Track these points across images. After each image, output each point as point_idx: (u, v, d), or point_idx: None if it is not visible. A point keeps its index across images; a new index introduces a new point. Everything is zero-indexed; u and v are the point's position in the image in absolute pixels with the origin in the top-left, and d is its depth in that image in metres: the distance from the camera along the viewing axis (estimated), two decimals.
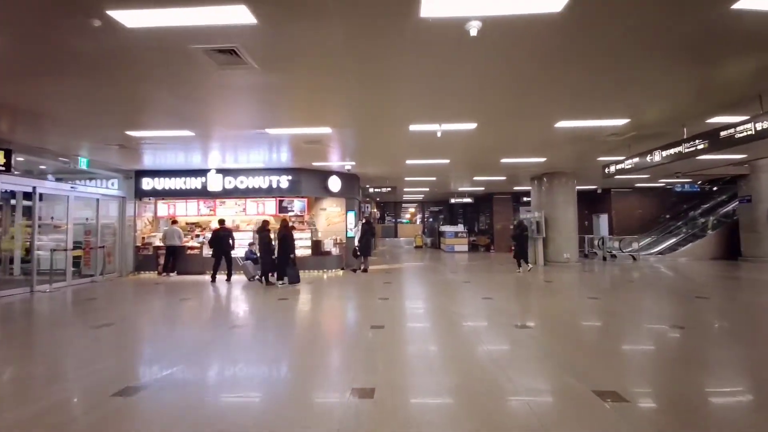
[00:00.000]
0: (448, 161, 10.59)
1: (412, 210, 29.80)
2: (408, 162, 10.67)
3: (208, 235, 10.86)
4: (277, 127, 6.88)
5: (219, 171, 11.39)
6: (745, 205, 13.94)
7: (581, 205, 20.13)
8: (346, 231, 12.73)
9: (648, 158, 7.77)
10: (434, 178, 14.40)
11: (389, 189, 14.28)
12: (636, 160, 8.17)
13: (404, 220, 31.22)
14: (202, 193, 11.58)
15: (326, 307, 6.92)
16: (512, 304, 6.89)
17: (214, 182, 11.39)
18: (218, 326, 5.45)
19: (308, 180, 11.72)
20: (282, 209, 12.16)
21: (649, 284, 8.90)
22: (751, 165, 13.66)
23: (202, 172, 11.43)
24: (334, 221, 12.89)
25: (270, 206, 12.16)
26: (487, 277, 10.28)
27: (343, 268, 11.99)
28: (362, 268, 11.29)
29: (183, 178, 11.54)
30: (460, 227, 20.51)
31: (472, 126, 6.88)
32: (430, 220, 29.33)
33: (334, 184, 12.16)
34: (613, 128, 7.19)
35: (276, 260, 9.04)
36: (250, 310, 6.76)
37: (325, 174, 12.02)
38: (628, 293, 7.84)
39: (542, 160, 10.46)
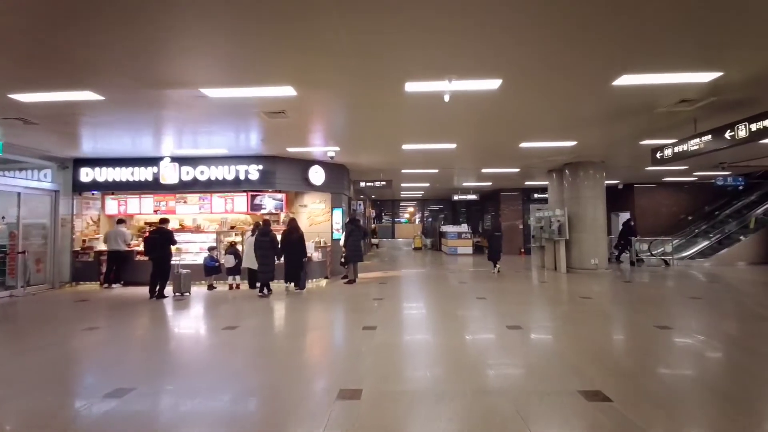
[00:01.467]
0: (454, 146, 8.56)
1: (411, 209, 27.80)
2: (405, 147, 8.63)
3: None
4: (217, 85, 4.83)
5: (174, 159, 9.33)
6: None
7: None
8: (332, 232, 10.69)
9: (728, 134, 5.74)
10: (436, 171, 12.37)
11: (384, 183, 12.26)
12: (707, 138, 6.13)
13: (403, 220, 29.24)
14: (154, 186, 9.51)
15: (278, 347, 4.87)
16: (559, 337, 4.85)
17: (169, 173, 9.33)
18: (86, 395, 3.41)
19: (284, 170, 9.67)
20: (255, 206, 10.14)
21: (721, 300, 6.89)
22: None
23: (154, 161, 9.37)
24: (318, 220, 10.84)
25: (240, 203, 10.12)
26: (503, 290, 8.24)
27: (327, 277, 9.95)
28: (348, 278, 9.24)
29: (131, 168, 9.48)
30: (464, 227, 18.49)
31: (494, 84, 4.85)
32: (430, 219, 27.31)
33: (317, 175, 10.11)
34: (693, 88, 5.15)
35: (288, 265, 8.17)
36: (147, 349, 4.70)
37: (305, 163, 9.97)
38: (706, 318, 5.82)
39: (571, 144, 8.43)
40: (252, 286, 8.46)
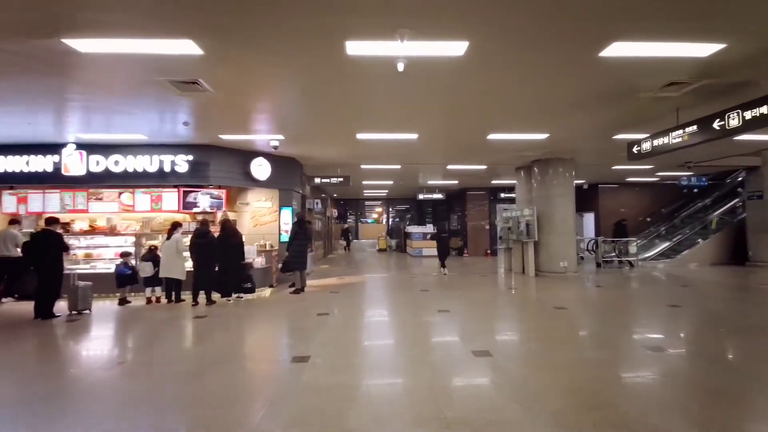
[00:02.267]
0: (415, 137, 7.57)
1: (379, 209, 26.75)
2: (360, 137, 7.53)
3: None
4: (82, 33, 3.50)
5: (81, 147, 7.72)
6: (755, 202, 11.99)
7: None
8: (279, 234, 9.41)
9: (717, 124, 5.09)
10: (398, 167, 11.37)
11: (341, 180, 11.11)
12: (692, 129, 5.48)
13: (369, 220, 28.15)
14: (56, 179, 7.84)
15: (160, 396, 3.61)
16: (539, 371, 3.92)
17: (73, 162, 7.70)
18: None
19: (220, 162, 8.29)
20: (188, 204, 8.68)
21: (702, 308, 6.31)
22: (763, 156, 11.73)
23: (55, 148, 7.70)
24: (264, 221, 9.52)
25: (170, 200, 8.63)
26: (469, 300, 7.34)
27: (272, 285, 8.67)
28: (295, 287, 8.01)
29: (26, 156, 7.76)
30: (430, 228, 17.68)
31: (459, 49, 3.85)
32: (397, 219, 26.40)
33: (261, 169, 8.80)
34: (687, 65, 4.40)
35: (224, 271, 7.05)
36: None
37: (247, 155, 8.64)
38: (699, 333, 5.13)
39: (543, 137, 7.67)
40: (170, 299, 7.06)
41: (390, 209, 26.13)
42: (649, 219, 16.67)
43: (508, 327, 5.34)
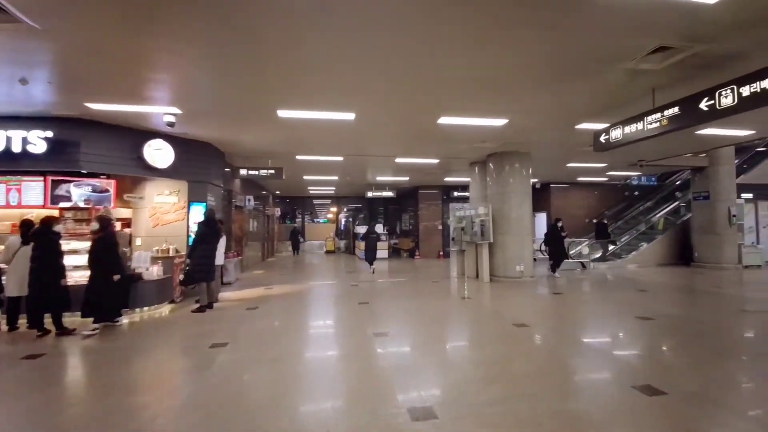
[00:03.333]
0: (352, 117, 6.20)
1: (334, 208, 25.08)
2: (283, 115, 6.02)
3: None
4: None
5: None
6: (700, 203, 12.02)
7: None
8: (188, 236, 7.61)
9: (705, 104, 4.23)
10: (340, 158, 9.94)
11: (272, 172, 9.48)
12: (673, 111, 4.62)
13: (322, 220, 26.41)
14: None
15: None
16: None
17: None
18: None
19: (96, 142, 6.37)
20: (57, 198, 6.68)
21: (676, 321, 5.55)
22: (710, 156, 11.77)
23: None
24: (167, 219, 7.67)
25: (33, 192, 6.58)
26: (415, 315, 6.11)
27: (174, 301, 6.89)
28: (200, 303, 6.31)
29: None
30: (379, 228, 16.42)
31: None
32: (349, 219, 24.92)
33: (159, 154, 6.98)
34: (685, 21, 3.43)
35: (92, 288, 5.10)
36: None
37: (138, 135, 6.78)
38: (692, 360, 4.23)
39: (501, 123, 6.63)
40: (11, 324, 5.12)
41: (345, 209, 24.60)
42: (595, 221, 16.67)
43: (460, 359, 4.14)
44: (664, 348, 4.38)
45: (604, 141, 5.76)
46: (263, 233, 15.47)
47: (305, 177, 13.55)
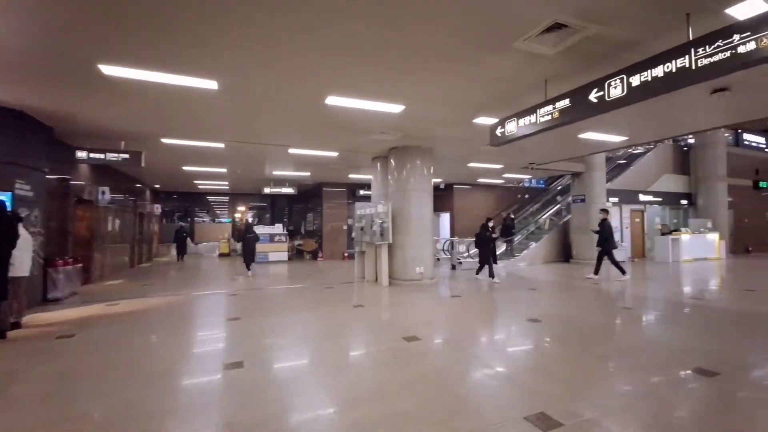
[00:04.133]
0: (214, 86, 4.90)
1: (242, 207, 22.41)
2: (109, 71, 4.45)
3: None
4: None
5: None
6: (578, 205, 13.19)
7: None
8: None
9: (594, 95, 4.00)
10: (220, 146, 8.38)
11: (126, 156, 7.52)
12: (563, 104, 4.37)
13: (226, 220, 23.59)
14: None
15: None
16: None
17: None
18: None
19: None
20: None
21: (588, 334, 5.43)
22: (585, 162, 12.95)
23: None
24: None
25: None
26: (294, 334, 5.07)
27: None
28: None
29: None
30: (278, 228, 14.91)
31: None
32: (254, 220, 22.62)
33: None
34: None
35: None
36: None
37: None
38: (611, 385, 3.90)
39: (398, 109, 5.95)
40: None
41: (235, 206, 22.21)
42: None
43: (337, 392, 3.22)
44: (555, 365, 4.04)
45: (500, 134, 5.43)
46: (133, 234, 12.81)
47: (185, 168, 11.48)
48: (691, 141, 16.09)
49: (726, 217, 15.28)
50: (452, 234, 16.09)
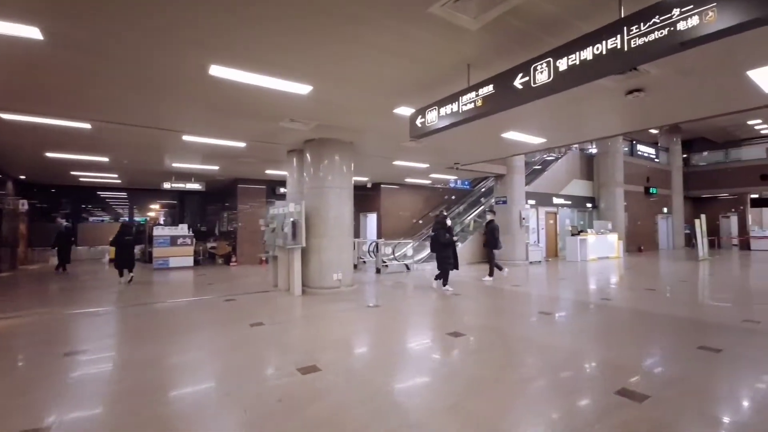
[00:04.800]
0: (38, 36, 3.54)
1: (155, 206, 19.26)
2: None
3: None
4: None
5: None
6: (500, 207, 13.43)
7: None
8: None
9: (519, 81, 3.52)
10: (86, 126, 6.65)
11: None
12: (487, 90, 3.85)
13: (140, 219, 20.17)
14: None
15: None
16: None
17: None
18: None
19: None
20: None
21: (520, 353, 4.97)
22: (507, 165, 13.22)
23: None
24: None
25: None
26: (159, 368, 3.90)
27: None
28: None
29: None
30: (183, 229, 12.98)
31: None
32: (165, 219, 19.74)
33: None
34: None
35: None
36: None
37: None
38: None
39: (305, 91, 5.03)
40: None
41: (133, 204, 19.29)
42: (421, 221, 17.38)
43: None
44: (475, 400, 3.47)
45: (420, 125, 4.81)
46: None
47: (50, 154, 9.22)
48: (594, 151, 17.54)
49: (623, 219, 16.87)
50: (379, 235, 15.54)
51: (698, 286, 8.93)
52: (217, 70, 4.37)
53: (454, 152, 9.69)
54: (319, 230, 7.64)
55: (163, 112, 6.12)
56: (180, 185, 12.43)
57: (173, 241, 12.48)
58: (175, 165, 10.74)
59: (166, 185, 12.30)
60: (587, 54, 2.96)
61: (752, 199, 19.25)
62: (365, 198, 16.67)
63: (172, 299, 7.41)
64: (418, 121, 4.82)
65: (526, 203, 13.75)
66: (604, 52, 2.86)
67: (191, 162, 10.45)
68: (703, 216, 15.43)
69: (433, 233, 8.35)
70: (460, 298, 7.22)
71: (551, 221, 15.81)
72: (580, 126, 7.08)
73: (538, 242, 14.53)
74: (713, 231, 20.03)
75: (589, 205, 17.10)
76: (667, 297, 7.54)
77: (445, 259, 7.96)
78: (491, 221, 9.68)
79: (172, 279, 10.24)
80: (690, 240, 20.64)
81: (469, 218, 15.70)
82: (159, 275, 10.86)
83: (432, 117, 4.59)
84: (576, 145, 17.80)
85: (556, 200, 15.59)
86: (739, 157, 20.26)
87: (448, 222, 8.41)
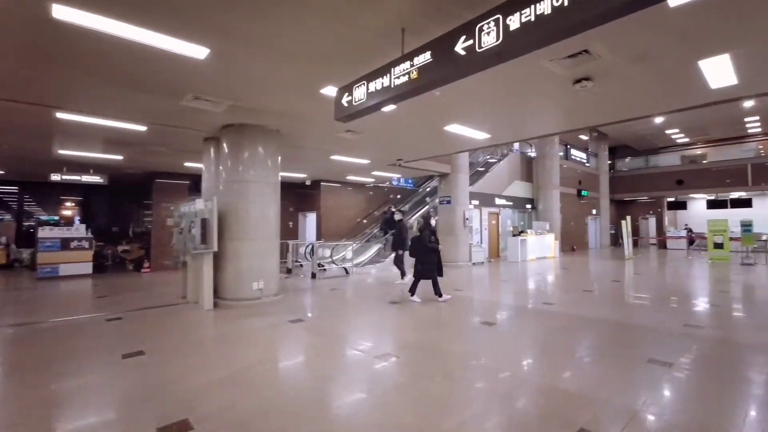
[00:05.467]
0: None
1: (70, 203, 16.17)
2: None
3: None
4: None
5: None
6: (444, 206, 13.04)
7: (286, 201, 15.51)
8: None
9: (462, 46, 2.80)
10: None
11: None
12: (424, 59, 3.10)
13: (51, 218, 16.89)
14: None
15: None
16: None
17: None
18: None
19: None
20: None
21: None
22: (452, 164, 12.86)
23: None
24: None
25: None
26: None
27: None
28: None
29: None
30: (79, 229, 10.87)
31: None
32: (81, 218, 16.79)
33: None
34: None
35: None
36: None
37: None
38: None
39: (201, 53, 3.94)
40: None
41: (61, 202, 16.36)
42: (366, 220, 16.59)
43: None
44: None
45: (346, 104, 3.95)
46: None
47: None
48: (534, 154, 17.99)
49: (558, 220, 17.44)
50: (319, 236, 14.48)
51: (630, 287, 9.08)
52: (61, 12, 3.16)
53: (396, 147, 9.00)
54: (237, 232, 6.49)
55: (20, 78, 4.63)
56: (73, 177, 10.40)
57: (65, 244, 10.40)
58: (62, 152, 8.84)
59: (55, 177, 10.22)
60: (545, 7, 2.29)
61: (668, 202, 21.02)
62: (304, 197, 15.52)
63: (30, 320, 5.77)
64: (344, 100, 3.96)
65: (470, 203, 13.52)
66: (566, 4, 2.21)
67: (84, 149, 8.65)
68: (628, 218, 16.37)
69: (418, 233, 7.09)
70: (394, 308, 6.49)
71: (493, 222, 15.82)
72: (525, 121, 6.69)
73: (482, 243, 14.39)
74: (634, 231, 21.61)
75: (528, 206, 17.45)
76: (604, 299, 7.45)
77: (429, 266, 6.76)
78: (400, 220, 9.41)
79: (52, 292, 8.36)
80: (616, 240, 22.11)
81: (413, 218, 15.17)
82: (39, 286, 8.88)
83: (360, 94, 3.75)
84: (516, 147, 18.15)
85: (498, 201, 15.63)
86: (657, 163, 22.07)
87: (432, 222, 7.45)
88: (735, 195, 20.23)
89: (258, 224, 6.62)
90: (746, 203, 20.11)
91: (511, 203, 16.36)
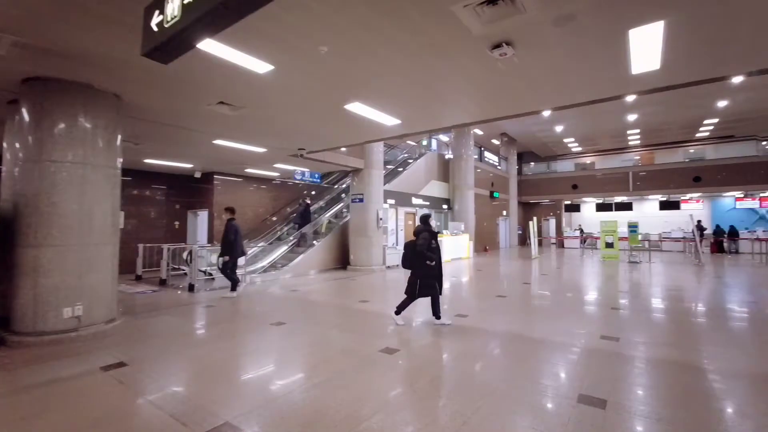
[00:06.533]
0: None
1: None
2: None
3: None
4: None
5: None
6: (357, 205, 11.89)
7: (171, 196, 12.93)
8: None
9: None
10: None
11: None
12: None
13: None
14: None
15: None
16: None
17: None
18: None
19: None
20: None
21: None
22: (365, 158, 11.77)
23: None
24: None
25: None
26: None
27: None
28: None
29: None
30: None
31: None
32: None
33: None
34: None
35: None
36: None
37: None
38: None
39: None
40: None
41: None
42: (275, 218, 14.67)
43: None
44: None
45: (157, 28, 2.44)
46: None
47: None
48: (450, 157, 17.88)
49: (473, 221, 17.52)
50: (211, 238, 12.28)
51: (541, 289, 8.86)
52: None
53: (294, 134, 7.53)
54: (39, 234, 4.44)
55: None
56: None
57: None
58: None
59: None
60: None
61: (566, 205, 22.75)
62: (194, 191, 13.11)
63: None
64: (154, 23, 2.45)
65: (385, 202, 12.58)
66: None
67: None
68: (535, 219, 17.03)
69: (416, 239, 5.27)
70: (281, 330, 5.05)
71: (410, 222, 15.16)
72: (437, 105, 5.76)
73: (397, 245, 13.56)
74: (538, 232, 23.03)
75: (445, 206, 17.21)
76: (518, 307, 6.93)
77: (429, 280, 5.20)
78: (230, 220, 7.60)
79: None
80: (524, 240, 23.31)
81: (323, 218, 13.77)
82: None
83: (173, 9, 2.28)
84: (434, 146, 17.83)
85: (415, 200, 15.00)
86: (557, 169, 23.83)
87: (433, 224, 5.72)
88: (619, 199, 22.63)
89: (76, 223, 4.64)
90: (628, 207, 22.64)
91: (428, 203, 15.89)
